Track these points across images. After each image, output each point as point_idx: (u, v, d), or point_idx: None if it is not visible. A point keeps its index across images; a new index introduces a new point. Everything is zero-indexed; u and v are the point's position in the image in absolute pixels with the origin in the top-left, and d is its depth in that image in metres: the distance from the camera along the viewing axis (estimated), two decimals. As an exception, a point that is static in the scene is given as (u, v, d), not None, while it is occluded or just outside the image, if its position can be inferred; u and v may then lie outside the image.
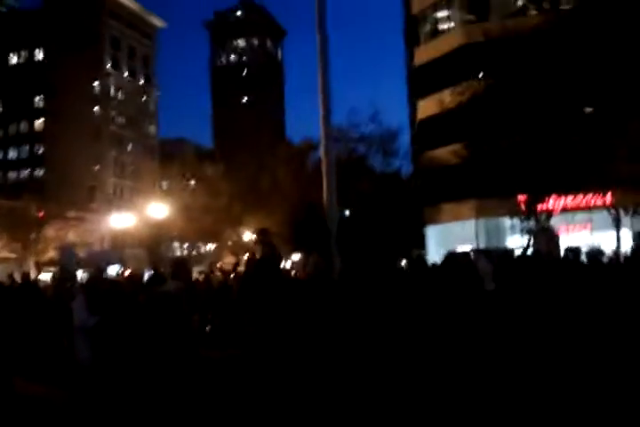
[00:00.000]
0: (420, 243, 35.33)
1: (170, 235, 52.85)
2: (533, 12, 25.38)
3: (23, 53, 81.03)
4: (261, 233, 8.54)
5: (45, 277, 44.85)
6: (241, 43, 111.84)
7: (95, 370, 7.41)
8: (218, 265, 19.07)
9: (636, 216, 23.20)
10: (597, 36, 18.59)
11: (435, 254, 31.44)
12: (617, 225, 23.42)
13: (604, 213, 24.20)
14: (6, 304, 8.89)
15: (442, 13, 34.60)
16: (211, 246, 58.70)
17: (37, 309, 10.53)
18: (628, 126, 18.95)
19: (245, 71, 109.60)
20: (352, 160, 37.55)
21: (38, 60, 79.86)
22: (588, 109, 20.71)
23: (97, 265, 13.45)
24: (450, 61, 31.73)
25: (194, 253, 62.19)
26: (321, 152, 8.97)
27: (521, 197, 24.40)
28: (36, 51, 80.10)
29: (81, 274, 18.16)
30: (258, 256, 8.24)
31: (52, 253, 50.77)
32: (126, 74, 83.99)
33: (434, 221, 32.85)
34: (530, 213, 24.38)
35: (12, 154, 79.92)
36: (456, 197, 28.45)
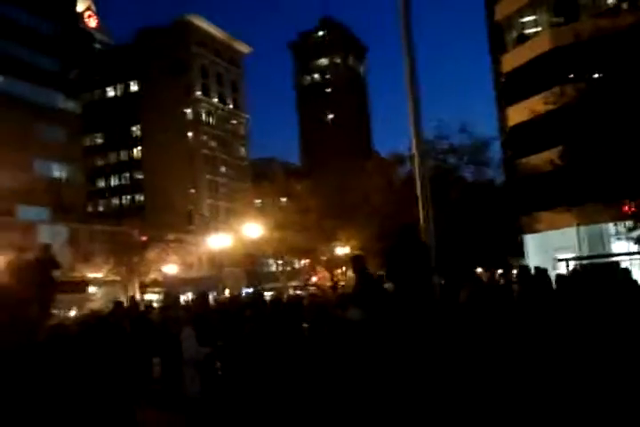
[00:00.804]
0: (519, 252, 34.45)
1: (264, 253, 54.01)
2: (625, 10, 24.42)
3: (119, 86, 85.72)
4: (355, 261, 8.37)
5: (150, 297, 46.88)
6: (324, 61, 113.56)
7: (205, 404, 7.54)
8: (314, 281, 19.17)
9: None
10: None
11: (536, 263, 30.54)
12: None
13: None
14: (119, 335, 9.15)
15: (528, 18, 33.89)
16: (304, 262, 59.49)
17: (146, 338, 10.69)
18: None
19: (329, 89, 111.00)
20: (442, 172, 37.11)
21: (133, 92, 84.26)
22: None
23: (198, 292, 13.73)
24: (540, 66, 30.99)
25: (288, 268, 63.24)
26: (414, 168, 8.78)
27: (625, 202, 23.37)
28: (131, 83, 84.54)
29: (183, 298, 18.82)
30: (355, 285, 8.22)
31: (154, 275, 53.09)
32: (216, 99, 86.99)
33: (532, 229, 31.95)
34: (638, 216, 23.29)
35: (114, 181, 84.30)
36: (553, 204, 27.53)
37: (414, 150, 8.49)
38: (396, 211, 31.26)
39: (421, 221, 7.97)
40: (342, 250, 49.36)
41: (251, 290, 39.04)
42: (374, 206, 41.26)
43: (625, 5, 25.07)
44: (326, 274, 55.14)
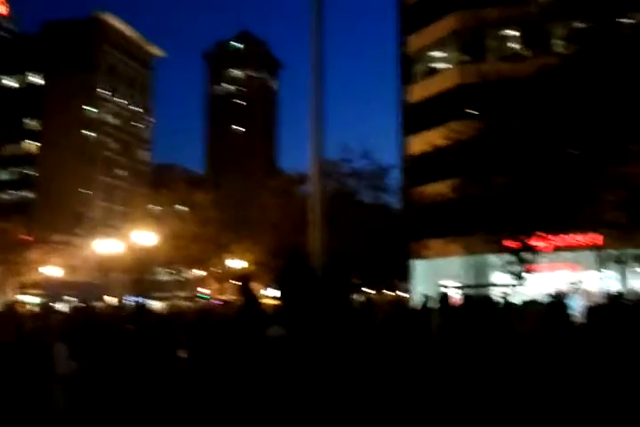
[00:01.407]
0: (407, 277, 35.52)
1: (156, 261, 52.68)
2: (528, 56, 25.97)
3: (18, 77, 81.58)
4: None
5: (28, 299, 44.43)
6: (238, 73, 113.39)
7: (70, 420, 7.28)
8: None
9: (621, 263, 23.58)
10: (588, 84, 19.02)
11: (422, 289, 31.53)
12: (603, 266, 23.70)
13: (591, 253, 24.49)
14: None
15: (437, 53, 35.35)
16: (196, 272, 58.53)
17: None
18: (614, 173, 19.34)
19: (241, 101, 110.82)
20: (342, 194, 37.86)
21: (33, 84, 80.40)
22: (575, 153, 21.08)
23: (81, 300, 13.24)
24: (444, 100, 32.33)
25: (179, 278, 61.97)
26: (310, 187, 8.82)
27: (508, 236, 24.60)
28: (32, 74, 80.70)
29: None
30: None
31: (35, 276, 50.46)
32: (123, 101, 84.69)
33: (421, 255, 33.02)
34: (517, 251, 24.57)
35: (4, 176, 79.80)
36: (444, 233, 28.67)
37: (311, 172, 8.54)
38: (294, 228, 31.49)
39: (311, 242, 8.09)
40: (237, 263, 49.03)
41: (136, 299, 37.86)
42: (273, 223, 41.39)
43: (528, 53, 26.65)
44: (217, 286, 54.51)
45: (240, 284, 8.51)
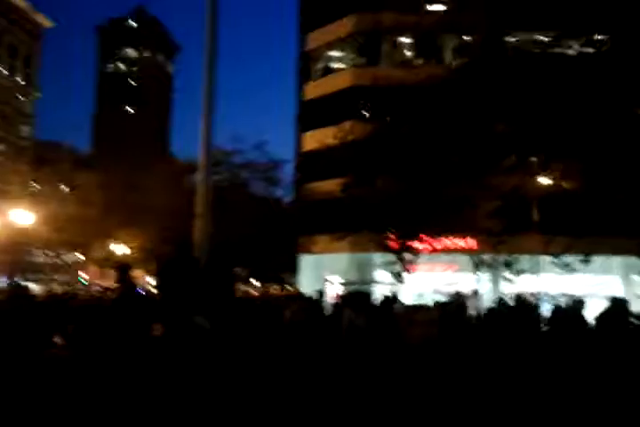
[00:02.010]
0: (294, 270, 36.06)
1: (34, 242, 50.28)
2: (419, 64, 26.99)
3: None
4: (120, 270, 8.47)
5: None
6: (131, 52, 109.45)
7: None
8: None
9: (493, 268, 25.28)
10: (472, 96, 20.08)
11: (308, 284, 32.19)
12: (477, 269, 25.26)
13: (467, 257, 25.97)
14: None
15: (335, 53, 35.92)
16: (77, 256, 56.45)
17: None
18: (490, 183, 20.63)
19: (133, 82, 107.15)
20: (233, 185, 37.83)
21: None
22: (456, 161, 22.21)
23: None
24: (338, 100, 32.95)
25: (57, 261, 59.40)
26: (198, 175, 8.88)
27: (392, 236, 25.63)
28: None
29: None
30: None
31: None
32: (5, 72, 79.51)
33: (309, 250, 33.63)
34: (398, 251, 25.67)
35: None
36: (331, 229, 29.35)
37: (200, 160, 8.56)
38: (181, 217, 31.11)
39: (196, 231, 8.21)
40: (121, 249, 47.74)
41: (9, 280, 36.06)
42: (160, 210, 40.60)
43: (420, 61, 27.68)
44: (98, 272, 52.87)
45: (118, 271, 8.40)
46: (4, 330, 8.25)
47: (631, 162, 17.12)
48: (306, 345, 9.43)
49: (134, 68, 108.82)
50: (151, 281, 37.14)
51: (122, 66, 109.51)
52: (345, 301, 12.01)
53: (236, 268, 36.43)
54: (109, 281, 45.99)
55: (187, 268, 7.89)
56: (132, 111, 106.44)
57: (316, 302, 12.72)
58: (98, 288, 33.39)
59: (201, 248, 8.27)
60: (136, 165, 56.63)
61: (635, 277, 19.98)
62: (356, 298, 11.41)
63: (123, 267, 8.51)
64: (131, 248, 47.45)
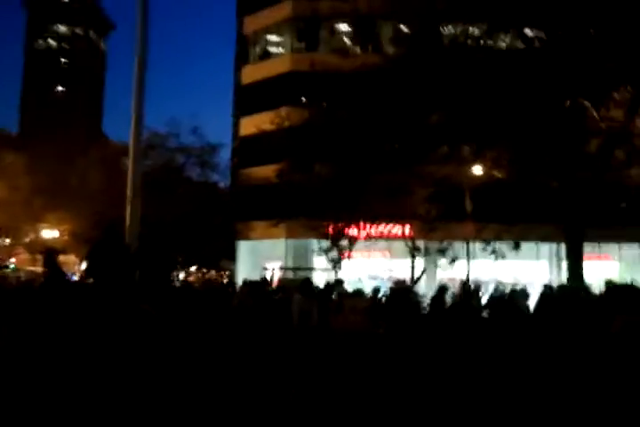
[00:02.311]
0: (233, 256, 35.93)
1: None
2: (356, 52, 27.04)
3: None
4: (47, 255, 8.28)
5: None
6: (62, 28, 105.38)
7: None
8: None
9: (427, 254, 25.87)
10: (408, 85, 20.29)
11: (246, 270, 32.15)
12: (412, 255, 25.77)
13: (402, 243, 26.46)
14: None
15: (273, 37, 35.59)
16: (5, 240, 54.61)
17: None
18: (425, 171, 21.00)
19: (64, 59, 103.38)
20: (168, 169, 37.23)
21: None
22: (392, 149, 22.43)
23: None
24: (276, 85, 32.75)
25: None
26: (129, 158, 8.72)
27: (328, 222, 25.83)
28: None
29: None
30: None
31: None
32: None
33: (246, 236, 33.52)
34: (335, 237, 25.92)
35: None
36: (269, 215, 29.35)
37: (131, 146, 8.42)
38: (114, 201, 30.47)
39: (128, 215, 8.10)
40: (50, 233, 46.50)
41: None
42: (92, 193, 39.65)
43: (357, 49, 27.70)
44: (27, 257, 51.32)
45: (45, 256, 8.22)
46: None
47: (558, 151, 17.75)
48: (255, 330, 9.53)
49: (65, 45, 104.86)
50: (82, 266, 36.33)
51: (52, 42, 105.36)
52: (296, 287, 11.97)
53: (172, 253, 35.99)
54: (39, 266, 44.81)
55: (115, 252, 7.83)
56: (63, 90, 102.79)
57: (262, 288, 12.71)
58: (23, 274, 32.50)
59: (132, 232, 8.19)
60: (67, 147, 54.92)
61: (562, 264, 20.91)
62: (306, 284, 11.42)
63: (49, 252, 8.31)
64: (61, 232, 46.26)
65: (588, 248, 18.88)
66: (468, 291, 11.75)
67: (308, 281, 11.83)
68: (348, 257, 26.19)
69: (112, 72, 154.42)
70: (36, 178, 45.81)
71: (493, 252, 23.20)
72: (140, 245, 8.40)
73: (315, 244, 28.27)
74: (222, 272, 46.45)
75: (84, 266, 34.65)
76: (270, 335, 9.60)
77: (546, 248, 29.87)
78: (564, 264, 18.61)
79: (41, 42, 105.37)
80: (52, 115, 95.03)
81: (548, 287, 11.34)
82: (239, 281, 27.60)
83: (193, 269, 47.02)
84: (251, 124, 32.46)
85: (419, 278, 14.00)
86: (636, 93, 16.70)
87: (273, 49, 35.70)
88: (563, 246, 19.19)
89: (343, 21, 30.45)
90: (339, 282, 12.80)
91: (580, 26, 16.87)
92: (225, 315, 10.55)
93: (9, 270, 39.91)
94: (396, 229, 27.40)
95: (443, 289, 11.36)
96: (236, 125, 37.64)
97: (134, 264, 7.75)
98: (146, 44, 8.74)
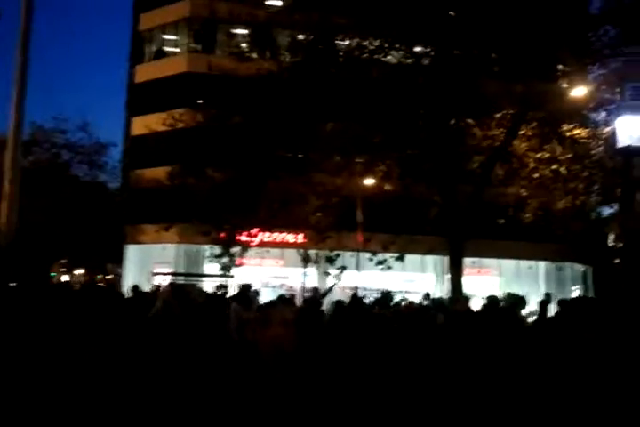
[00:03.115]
0: (120, 260, 34.71)
1: None
2: (252, 57, 26.90)
3: None
4: None
5: None
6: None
7: None
8: None
9: (317, 263, 26.18)
10: (301, 93, 20.39)
11: (133, 274, 31.16)
12: (305, 263, 26.00)
13: (296, 251, 26.62)
14: None
15: (168, 37, 34.74)
16: None
17: None
18: (317, 180, 21.25)
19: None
20: (54, 165, 35.56)
21: None
22: (285, 156, 22.50)
23: None
24: (169, 85, 32.00)
25: None
26: (7, 153, 8.32)
27: (219, 228, 25.51)
28: None
29: None
30: None
31: None
32: None
33: (135, 240, 32.50)
34: (227, 243, 25.66)
35: None
36: (159, 219, 28.62)
37: (10, 139, 8.09)
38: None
39: (3, 215, 7.74)
40: None
41: None
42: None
43: (253, 54, 27.56)
44: None
45: None
46: None
47: (442, 166, 18.47)
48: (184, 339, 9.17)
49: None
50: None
51: None
52: (233, 295, 11.49)
53: (48, 253, 34.20)
54: None
55: None
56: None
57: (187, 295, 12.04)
58: None
59: (8, 231, 7.80)
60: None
61: (446, 276, 21.75)
62: (244, 292, 10.87)
63: None
64: None
65: (468, 262, 19.82)
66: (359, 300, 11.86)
67: (247, 288, 10.96)
68: (241, 264, 26.02)
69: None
70: None
71: (380, 263, 23.79)
72: (13, 245, 8.03)
73: (207, 249, 27.85)
74: (109, 276, 44.89)
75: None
76: (206, 347, 9.23)
77: (431, 260, 30.85)
78: (446, 276, 19.48)
79: None
80: None
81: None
82: (125, 286, 26.89)
83: (79, 272, 45.16)
84: (143, 125, 31.55)
85: (330, 289, 14.07)
86: (517, 115, 17.66)
87: (169, 48, 34.86)
88: (445, 259, 20.01)
89: (241, 26, 30.22)
90: (249, 288, 11.42)
91: (465, 45, 17.67)
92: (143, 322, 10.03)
93: None
94: (290, 237, 27.52)
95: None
96: (127, 125, 36.42)
97: (4, 262, 7.49)
98: (29, 32, 8.39)
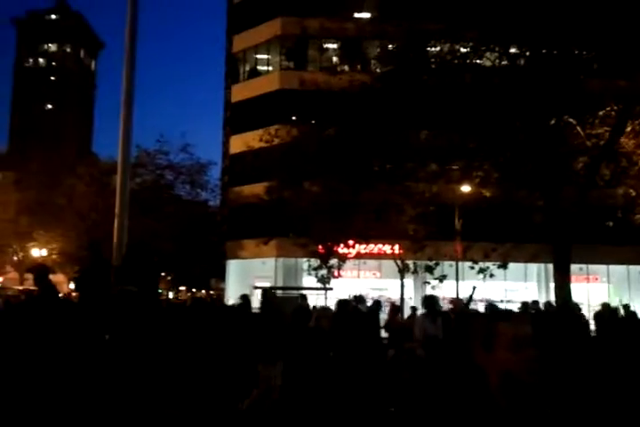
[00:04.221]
0: (223, 275, 35.66)
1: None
2: (344, 70, 27.13)
3: None
4: (35, 272, 8.12)
5: None
6: (52, 47, 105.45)
7: None
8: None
9: (415, 273, 25.74)
10: (394, 103, 20.30)
11: (235, 289, 31.88)
12: (402, 274, 25.67)
13: (392, 262, 26.35)
14: None
15: (261, 56, 35.72)
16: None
17: None
18: (412, 190, 20.97)
19: (53, 77, 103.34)
20: (159, 186, 37.13)
21: None
22: (380, 167, 22.37)
23: None
24: (265, 103, 32.82)
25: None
26: (117, 175, 8.70)
27: (316, 241, 25.70)
28: None
29: None
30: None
31: None
32: None
33: (236, 255, 33.30)
34: (325, 256, 25.78)
35: None
36: (258, 234, 29.22)
37: (120, 163, 8.40)
38: (104, 219, 30.29)
39: (116, 233, 8.02)
40: (39, 252, 46.10)
41: None
42: (81, 211, 39.38)
43: (345, 67, 27.86)
44: (16, 275, 50.78)
45: (35, 274, 8.09)
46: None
47: (543, 169, 17.75)
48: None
49: (54, 64, 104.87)
50: (72, 286, 36.00)
51: (42, 60, 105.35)
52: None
53: (157, 271, 35.60)
54: (28, 286, 44.43)
55: (99, 269, 7.82)
56: (52, 108, 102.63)
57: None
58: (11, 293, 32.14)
59: (119, 251, 8.11)
60: (56, 165, 54.49)
61: (551, 284, 20.74)
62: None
63: (39, 269, 8.16)
64: (49, 251, 45.92)
65: (575, 269, 18.84)
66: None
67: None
68: (339, 276, 26.03)
69: (102, 91, 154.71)
70: (24, 196, 45.53)
71: (481, 271, 23.11)
72: (124, 263, 8.33)
73: (304, 263, 28.11)
74: (212, 292, 46.19)
75: (72, 285, 34.20)
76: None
77: (534, 269, 29.72)
78: (552, 285, 18.49)
79: (30, 60, 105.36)
80: (42, 133, 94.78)
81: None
82: (230, 301, 27.57)
83: (183, 288, 46.76)
84: (240, 142, 32.47)
85: (471, 296, 13.63)
86: (622, 111, 16.78)
87: (262, 67, 35.83)
88: (550, 267, 19.11)
89: (331, 40, 30.61)
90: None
91: (563, 44, 17.01)
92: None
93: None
94: (386, 248, 27.31)
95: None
96: (225, 144, 37.58)
97: (117, 281, 7.73)
98: (134, 61, 8.77)
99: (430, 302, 9.48)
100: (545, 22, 16.91)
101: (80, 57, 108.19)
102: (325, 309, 10.13)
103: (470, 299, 12.19)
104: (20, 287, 39.61)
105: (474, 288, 14.01)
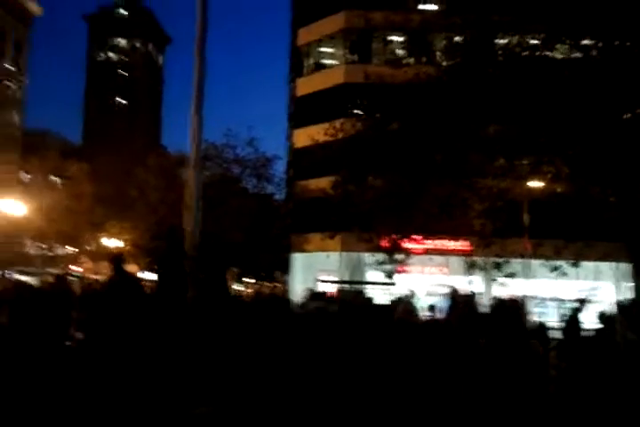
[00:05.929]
0: (287, 268, 36.05)
1: (24, 234, 49.95)
2: (409, 62, 26.76)
3: None
4: (113, 261, 8.37)
5: None
6: (122, 42, 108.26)
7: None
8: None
9: (484, 270, 25.27)
10: (461, 96, 19.93)
11: (300, 282, 32.23)
12: (470, 270, 25.29)
13: (459, 258, 26.02)
14: None
15: (326, 49, 35.71)
16: (68, 249, 56.19)
17: None
18: (481, 184, 20.54)
19: (123, 71, 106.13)
20: (225, 180, 37.75)
21: None
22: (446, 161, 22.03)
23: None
24: (329, 97, 32.82)
25: (49, 253, 59.17)
26: (189, 170, 8.86)
27: (383, 235, 25.58)
28: None
29: None
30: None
31: None
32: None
33: (301, 248, 33.57)
34: (390, 250, 25.64)
35: None
36: (323, 228, 29.34)
37: (190, 153, 8.56)
38: (173, 211, 31.01)
39: (185, 225, 8.20)
40: (112, 242, 47.67)
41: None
42: (151, 203, 40.46)
43: (410, 59, 27.43)
44: (91, 265, 52.73)
45: (113, 262, 8.39)
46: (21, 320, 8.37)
47: (622, 166, 17.09)
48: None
49: (125, 58, 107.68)
50: (143, 276, 37.09)
51: (113, 55, 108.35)
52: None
53: (228, 263, 36.40)
54: (103, 275, 46.00)
55: (176, 256, 8.03)
56: (124, 102, 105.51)
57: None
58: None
59: (190, 240, 8.27)
60: (126, 157, 56.12)
61: (625, 284, 19.96)
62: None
63: (116, 256, 8.49)
64: (123, 242, 47.41)
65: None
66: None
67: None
68: (404, 271, 25.85)
69: (168, 85, 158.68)
70: (98, 187, 47.09)
71: (555, 269, 22.47)
72: (198, 253, 8.48)
73: (369, 257, 28.06)
74: (275, 284, 46.73)
75: (144, 276, 35.12)
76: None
77: (606, 268, 28.81)
78: (625, 285, 17.88)
79: (102, 54, 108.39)
80: (114, 126, 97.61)
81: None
82: (295, 294, 27.91)
83: (249, 280, 47.50)
84: (305, 136, 32.60)
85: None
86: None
87: (326, 61, 35.80)
88: (623, 266, 18.45)
89: (396, 33, 30.23)
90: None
91: (637, 35, 16.29)
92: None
93: (75, 279, 41.03)
94: (453, 244, 26.96)
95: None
96: (290, 137, 37.85)
97: (192, 270, 7.92)
98: (204, 56, 8.92)
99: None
100: (618, 13, 16.24)
101: (149, 52, 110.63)
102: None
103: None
104: (97, 276, 41.06)
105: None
